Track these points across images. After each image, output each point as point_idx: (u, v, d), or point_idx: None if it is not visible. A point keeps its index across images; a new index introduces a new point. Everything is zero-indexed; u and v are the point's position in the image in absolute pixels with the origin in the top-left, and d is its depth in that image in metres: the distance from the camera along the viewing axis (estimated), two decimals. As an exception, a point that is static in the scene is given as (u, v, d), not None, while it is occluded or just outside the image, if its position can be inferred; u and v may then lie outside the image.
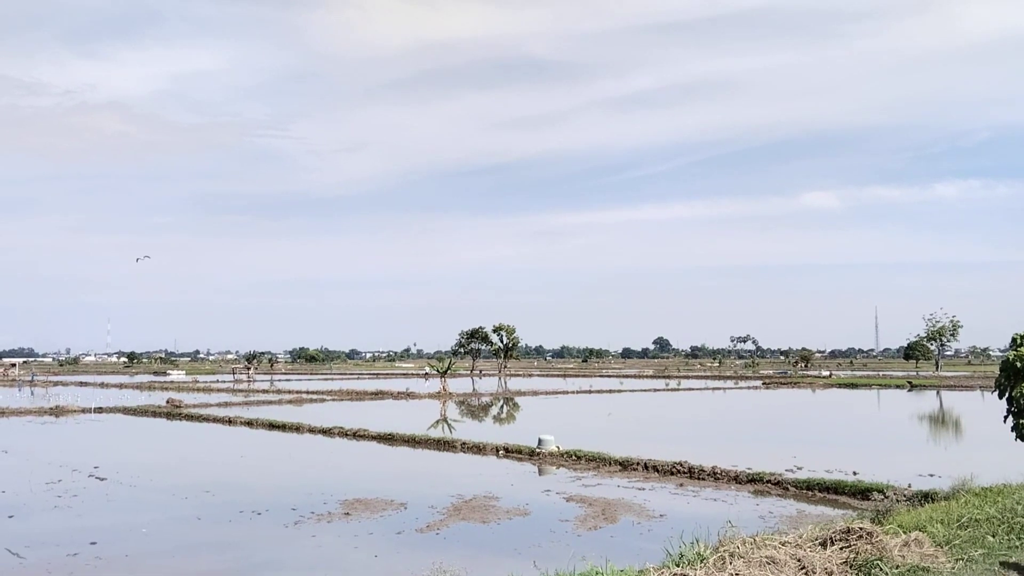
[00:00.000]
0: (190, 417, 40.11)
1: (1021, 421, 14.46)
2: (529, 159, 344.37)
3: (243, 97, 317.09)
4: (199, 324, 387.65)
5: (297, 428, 33.55)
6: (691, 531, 10.38)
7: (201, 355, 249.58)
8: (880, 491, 16.24)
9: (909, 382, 73.99)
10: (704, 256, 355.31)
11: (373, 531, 14.79)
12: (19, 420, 39.66)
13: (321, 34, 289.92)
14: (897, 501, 14.23)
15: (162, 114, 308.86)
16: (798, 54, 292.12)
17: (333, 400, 53.54)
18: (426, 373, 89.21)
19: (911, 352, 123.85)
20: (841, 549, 9.36)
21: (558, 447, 24.98)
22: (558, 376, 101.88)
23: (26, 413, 42.59)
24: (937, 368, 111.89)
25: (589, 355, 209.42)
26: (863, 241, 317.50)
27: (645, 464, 22.22)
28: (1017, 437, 14.62)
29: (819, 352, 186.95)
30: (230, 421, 37.61)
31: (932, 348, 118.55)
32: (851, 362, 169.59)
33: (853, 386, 72.61)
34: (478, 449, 26.43)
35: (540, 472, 22.81)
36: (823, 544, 9.53)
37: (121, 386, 74.10)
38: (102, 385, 75.85)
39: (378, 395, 57.34)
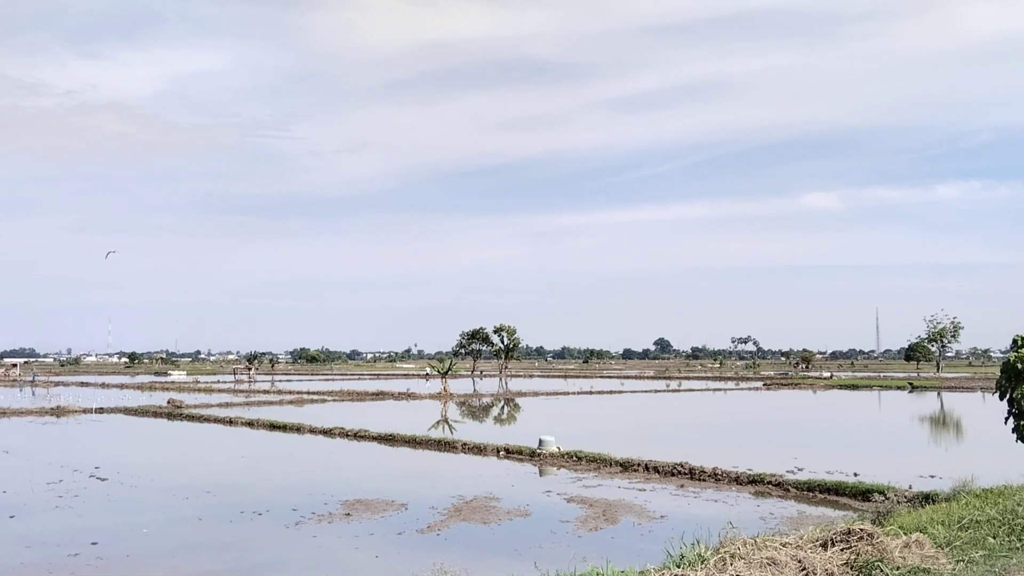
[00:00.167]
0: (191, 418, 40.15)
1: (1022, 423, 14.46)
2: (530, 160, 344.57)
3: (244, 98, 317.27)
4: (200, 324, 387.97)
5: (298, 429, 33.58)
6: (692, 532, 10.40)
7: (202, 355, 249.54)
8: (881, 492, 16.26)
9: (910, 383, 73.99)
10: (705, 257, 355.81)
11: (374, 532, 14.80)
12: (20, 420, 39.70)
13: (322, 35, 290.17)
14: (898, 502, 14.25)
15: (163, 114, 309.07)
16: (799, 55, 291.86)
17: (334, 401, 53.56)
18: (427, 374, 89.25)
19: (912, 353, 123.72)
20: (842, 550, 9.37)
21: (559, 448, 24.99)
22: (559, 377, 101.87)
23: (27, 413, 42.62)
24: (938, 369, 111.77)
25: (590, 356, 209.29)
26: (864, 242, 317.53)
27: (646, 465, 22.22)
28: (1018, 438, 14.61)
29: (820, 353, 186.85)
30: (231, 422, 37.65)
31: (933, 349, 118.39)
32: (852, 363, 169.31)
33: (854, 387, 72.59)
34: (479, 450, 26.44)
35: (541, 473, 22.81)
36: (824, 545, 9.53)
37: (122, 386, 74.08)
38: (103, 385, 75.84)
39: (379, 396, 57.34)
